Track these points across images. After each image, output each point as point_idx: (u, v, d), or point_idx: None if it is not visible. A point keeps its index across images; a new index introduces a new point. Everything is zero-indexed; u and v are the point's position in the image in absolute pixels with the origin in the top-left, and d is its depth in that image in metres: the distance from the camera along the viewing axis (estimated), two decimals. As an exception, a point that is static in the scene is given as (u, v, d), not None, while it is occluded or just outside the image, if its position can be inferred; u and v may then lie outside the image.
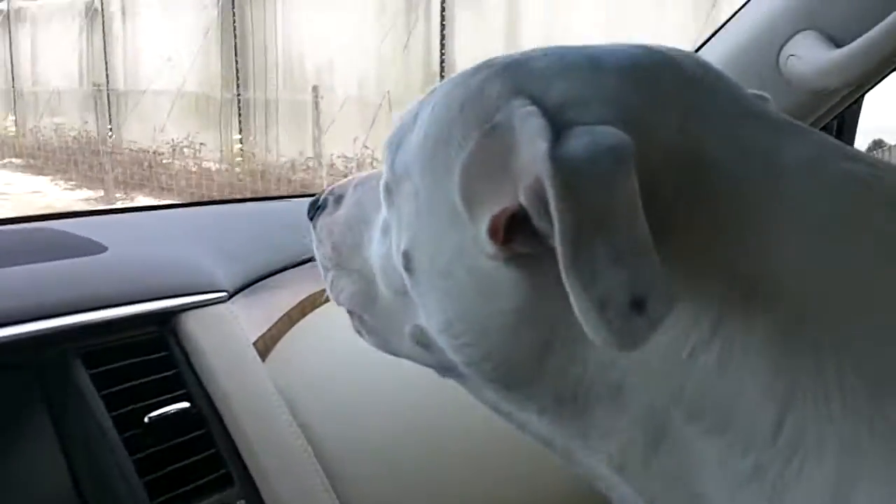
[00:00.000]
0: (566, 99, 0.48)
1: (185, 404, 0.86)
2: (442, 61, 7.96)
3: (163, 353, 0.89)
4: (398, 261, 0.57)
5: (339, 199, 0.70)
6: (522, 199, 0.45)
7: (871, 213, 0.45)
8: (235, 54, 9.87)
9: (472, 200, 0.49)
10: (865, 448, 0.41)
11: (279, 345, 1.01)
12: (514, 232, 0.47)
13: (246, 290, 1.05)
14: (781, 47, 1.10)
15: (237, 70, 9.95)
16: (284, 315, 1.04)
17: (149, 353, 0.88)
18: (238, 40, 9.85)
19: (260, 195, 8.22)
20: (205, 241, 1.11)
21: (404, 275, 0.57)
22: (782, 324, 0.43)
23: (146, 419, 0.83)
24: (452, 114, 0.53)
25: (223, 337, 0.95)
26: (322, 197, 0.72)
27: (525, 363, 0.52)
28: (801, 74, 1.08)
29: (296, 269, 1.11)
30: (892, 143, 1.41)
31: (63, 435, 0.81)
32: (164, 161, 10.06)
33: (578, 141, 0.43)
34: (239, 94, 9.92)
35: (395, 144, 0.59)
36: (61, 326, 0.83)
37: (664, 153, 0.46)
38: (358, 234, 0.66)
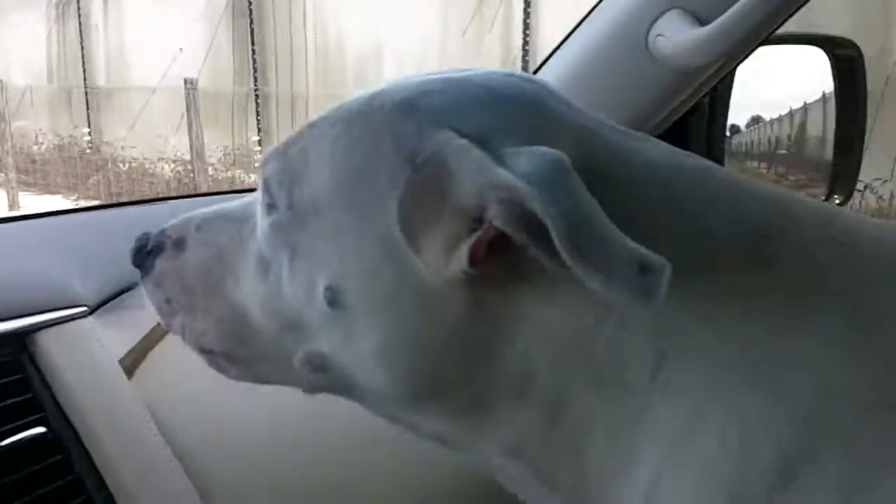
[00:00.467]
0: (483, 130, 0.55)
1: (41, 429, 0.82)
2: (525, 51, 7.18)
3: (17, 376, 0.85)
4: (306, 298, 0.61)
5: (179, 243, 0.70)
6: (494, 219, 0.51)
7: (722, 202, 0.57)
8: (252, 42, 8.67)
9: (414, 231, 0.55)
10: (711, 375, 0.53)
11: (148, 359, 0.98)
12: (488, 254, 0.53)
13: (111, 304, 1.01)
14: (649, 28, 1.10)
15: (254, 61, 8.68)
16: (153, 328, 1.00)
17: (2, 376, 0.84)
18: (255, 25, 8.67)
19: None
20: (66, 253, 1.06)
21: (321, 310, 0.60)
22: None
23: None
24: (366, 150, 0.58)
25: (83, 355, 0.91)
26: (152, 240, 0.70)
27: (449, 375, 0.59)
28: (669, 53, 1.08)
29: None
30: (769, 118, 1.44)
31: None
32: (150, 169, 8.93)
33: (527, 161, 0.51)
34: (257, 90, 8.73)
35: (289, 181, 0.61)
36: None
37: (573, 161, 0.52)
38: (217, 276, 0.68)
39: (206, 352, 0.70)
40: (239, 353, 0.68)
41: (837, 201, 1.26)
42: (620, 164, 0.57)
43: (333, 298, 0.59)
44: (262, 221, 0.64)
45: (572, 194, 0.49)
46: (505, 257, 0.53)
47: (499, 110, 0.57)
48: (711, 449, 0.52)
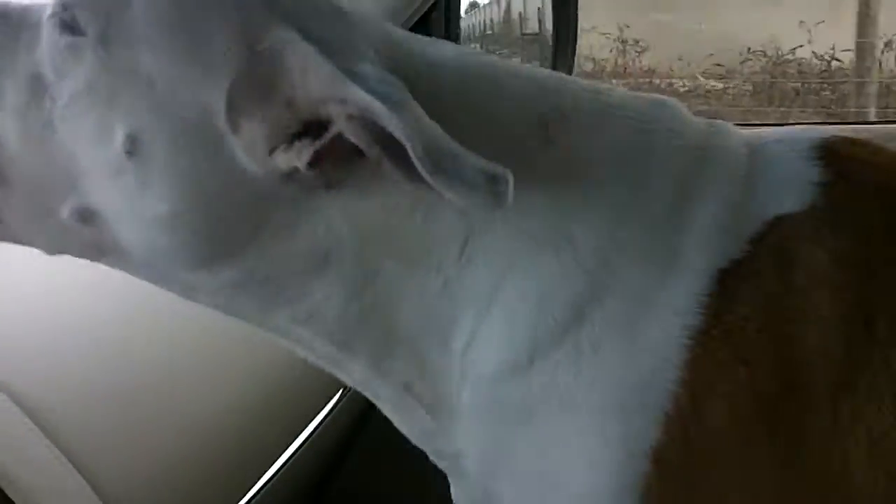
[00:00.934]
0: (334, 41, 0.57)
1: None
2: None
3: None
4: (96, 138, 0.57)
5: None
6: (348, 135, 0.54)
7: (505, 93, 0.65)
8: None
9: (236, 114, 0.56)
10: (497, 245, 0.62)
11: None
12: (333, 157, 0.57)
13: None
14: None
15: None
16: None
17: None
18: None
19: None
20: None
21: (116, 155, 0.57)
22: None
23: None
24: (203, 8, 0.57)
25: None
26: None
27: (241, 247, 0.61)
28: None
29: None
30: (484, 3, 1.60)
31: None
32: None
33: (378, 83, 0.54)
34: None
35: (109, 3, 0.57)
36: None
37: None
38: None
39: None
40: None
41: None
42: (425, 71, 0.62)
43: (132, 149, 0.56)
44: (51, 37, 0.59)
45: (420, 116, 0.53)
46: (338, 163, 0.57)
47: (348, 27, 0.60)
48: (513, 304, 0.61)
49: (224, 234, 0.60)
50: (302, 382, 1.28)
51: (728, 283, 0.60)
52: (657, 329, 0.60)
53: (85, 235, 0.61)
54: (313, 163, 0.56)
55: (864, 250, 0.61)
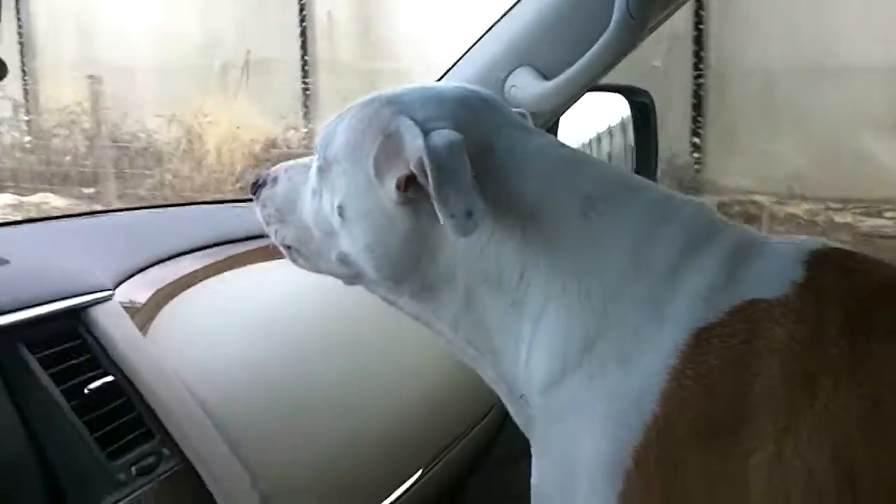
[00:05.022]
0: (427, 117, 0.91)
1: (110, 378, 1.12)
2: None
3: (78, 341, 1.14)
4: (331, 211, 0.98)
5: (274, 180, 1.09)
6: (413, 169, 0.86)
7: (568, 176, 0.92)
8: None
9: (382, 173, 0.92)
10: (550, 279, 0.89)
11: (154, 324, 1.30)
12: (408, 186, 0.89)
13: (123, 284, 1.31)
14: (504, 79, 1.47)
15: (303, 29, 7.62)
16: (149, 301, 1.32)
17: (68, 341, 1.13)
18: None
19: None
20: (93, 248, 1.37)
21: (337, 220, 0.97)
22: (521, 232, 0.89)
23: (86, 391, 1.09)
24: (363, 126, 0.96)
25: (116, 324, 1.21)
26: (261, 178, 1.10)
27: (408, 265, 0.95)
28: (521, 101, 1.44)
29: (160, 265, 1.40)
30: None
31: (21, 408, 1.05)
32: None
33: (437, 138, 0.87)
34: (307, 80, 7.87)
35: (324, 145, 1.00)
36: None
37: (475, 143, 0.90)
38: (292, 200, 1.06)
39: (287, 247, 1.08)
40: (304, 250, 1.05)
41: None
42: (506, 148, 0.93)
43: (341, 212, 0.97)
44: (313, 167, 1.02)
45: (450, 159, 0.85)
46: (422, 193, 0.88)
47: (440, 106, 0.94)
48: (552, 330, 0.87)
49: (399, 259, 0.95)
50: (456, 398, 1.58)
51: (702, 338, 0.81)
52: (645, 363, 0.82)
53: (344, 269, 1.02)
54: (406, 187, 0.90)
55: (817, 335, 0.79)
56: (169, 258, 1.41)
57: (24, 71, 8.79)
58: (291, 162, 1.10)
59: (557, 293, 0.88)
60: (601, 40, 1.33)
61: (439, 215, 0.84)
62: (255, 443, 1.21)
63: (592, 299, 0.86)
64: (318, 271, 1.07)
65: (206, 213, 1.85)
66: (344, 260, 1.00)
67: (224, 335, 1.32)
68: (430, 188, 0.84)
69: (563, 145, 0.99)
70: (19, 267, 1.21)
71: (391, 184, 0.91)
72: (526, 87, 1.45)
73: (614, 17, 1.30)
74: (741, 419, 0.77)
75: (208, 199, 6.99)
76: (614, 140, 1.80)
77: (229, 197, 6.48)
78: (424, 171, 0.85)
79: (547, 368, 0.88)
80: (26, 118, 8.82)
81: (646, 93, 1.78)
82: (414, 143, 0.87)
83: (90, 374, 1.12)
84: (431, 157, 0.85)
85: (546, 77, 1.45)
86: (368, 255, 0.96)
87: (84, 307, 1.18)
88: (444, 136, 0.87)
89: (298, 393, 1.32)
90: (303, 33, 7.80)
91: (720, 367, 0.79)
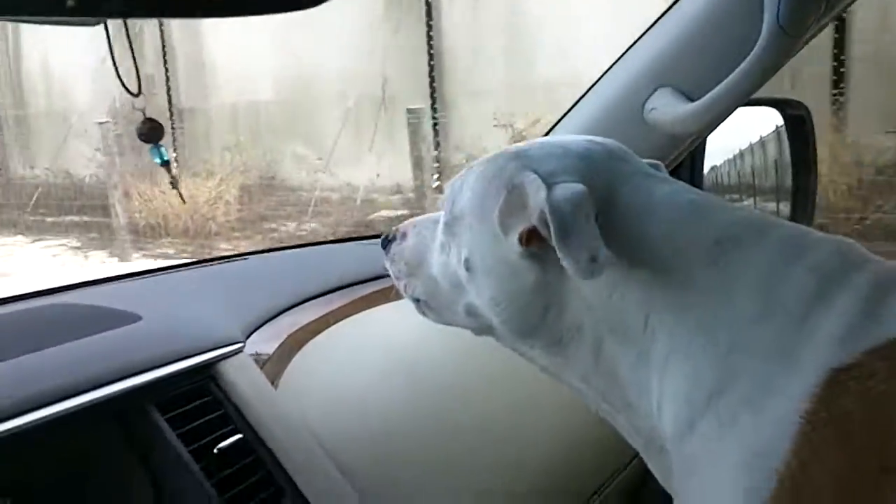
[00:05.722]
0: (551, 171, 0.90)
1: (240, 436, 1.10)
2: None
3: (209, 398, 1.13)
4: (458, 265, 0.98)
5: (403, 235, 1.11)
6: (535, 222, 0.87)
7: (696, 221, 0.89)
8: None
9: (506, 226, 0.92)
10: (676, 329, 0.86)
11: (284, 375, 1.27)
12: (532, 240, 0.89)
13: (253, 334, 1.30)
14: (644, 101, 1.40)
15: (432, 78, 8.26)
16: (278, 350, 1.30)
17: (199, 398, 1.12)
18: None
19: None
20: (220, 297, 1.36)
21: (464, 273, 0.98)
22: (646, 280, 0.87)
23: (216, 450, 1.07)
24: (488, 180, 0.96)
25: (247, 378, 1.19)
26: (391, 234, 1.12)
27: (535, 317, 0.94)
28: (662, 123, 1.38)
29: (289, 311, 1.38)
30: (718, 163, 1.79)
31: (150, 470, 1.04)
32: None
33: (559, 190, 0.86)
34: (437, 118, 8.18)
35: (451, 200, 1.01)
36: (130, 387, 1.06)
37: (599, 194, 0.89)
38: (421, 254, 1.07)
39: (416, 301, 1.09)
40: (433, 303, 1.07)
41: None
42: (632, 197, 0.91)
43: (468, 266, 0.97)
44: (440, 222, 1.03)
45: (573, 211, 0.84)
46: (546, 246, 0.87)
47: (564, 160, 0.93)
48: (679, 376, 0.85)
49: (526, 311, 0.94)
50: (594, 449, 1.50)
51: (837, 381, 0.76)
52: (777, 409, 0.78)
53: (472, 321, 1.02)
54: (529, 241, 0.90)
55: None
56: (298, 303, 1.38)
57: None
58: (420, 217, 1.11)
59: (683, 343, 0.85)
60: (750, 57, 1.25)
61: (563, 261, 0.83)
62: (392, 501, 1.17)
63: (720, 347, 0.83)
64: (447, 323, 1.08)
65: (334, 253, 1.83)
66: (472, 312, 1.01)
67: (357, 385, 1.29)
68: (553, 240, 0.84)
69: (692, 191, 0.95)
70: (151, 322, 1.22)
71: (515, 237, 0.91)
72: (667, 108, 1.39)
73: (763, 32, 1.23)
74: (883, 468, 0.73)
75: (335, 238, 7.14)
76: (758, 154, 1.71)
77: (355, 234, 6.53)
78: (547, 224, 0.85)
79: (677, 419, 0.86)
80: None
81: (801, 104, 1.66)
82: (537, 195, 0.87)
83: (220, 433, 1.10)
84: (553, 209, 0.85)
85: (689, 97, 1.37)
86: (495, 308, 0.96)
87: (214, 362, 1.17)
88: (566, 188, 0.87)
89: (437, 446, 1.27)
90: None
91: (857, 410, 0.75)
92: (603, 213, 0.88)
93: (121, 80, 0.81)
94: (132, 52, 0.79)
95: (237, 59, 9.12)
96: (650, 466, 0.96)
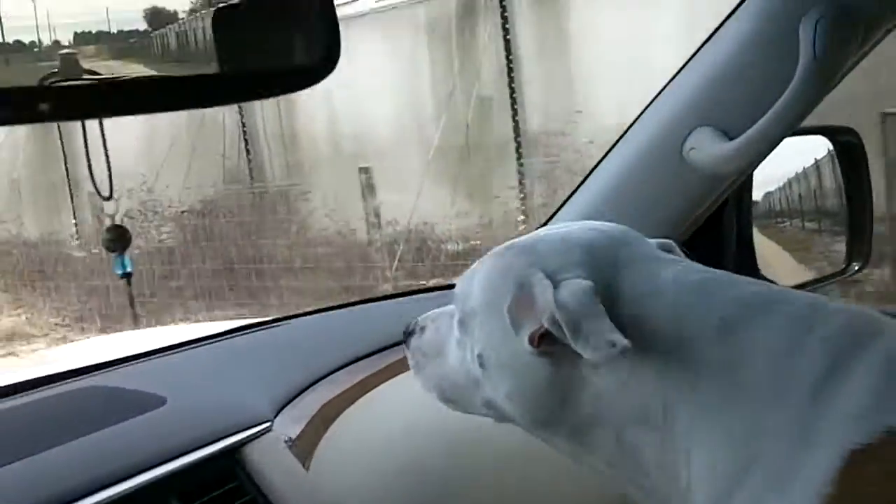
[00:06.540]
0: (556, 268, 0.91)
1: (265, 525, 1.06)
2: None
3: (236, 483, 1.09)
4: (472, 361, 0.99)
5: (423, 328, 1.11)
6: (546, 323, 0.87)
7: (702, 301, 0.89)
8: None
9: (517, 324, 0.92)
10: (695, 418, 0.86)
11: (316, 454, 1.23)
12: (543, 340, 0.89)
13: (282, 411, 1.25)
14: (683, 141, 1.34)
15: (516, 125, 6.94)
16: (309, 426, 1.25)
17: (225, 483, 1.08)
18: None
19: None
20: (246, 374, 1.33)
21: (478, 369, 0.98)
22: (659, 365, 0.87)
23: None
24: (497, 279, 0.97)
25: (275, 460, 1.15)
26: (411, 328, 1.12)
27: (552, 410, 0.94)
28: (702, 163, 1.32)
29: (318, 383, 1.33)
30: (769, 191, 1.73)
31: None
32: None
33: (566, 289, 0.88)
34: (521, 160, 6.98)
35: (463, 297, 1.02)
36: (152, 478, 1.03)
37: (606, 284, 0.90)
38: (439, 347, 1.07)
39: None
40: (451, 395, 1.07)
41: (857, 268, 1.52)
42: (638, 282, 0.91)
43: (481, 362, 0.97)
44: (454, 318, 1.03)
45: (581, 308, 0.85)
46: (558, 343, 0.88)
47: (567, 255, 0.93)
48: (701, 462, 0.85)
49: (542, 405, 0.94)
50: None
51: (857, 463, 0.76)
52: (799, 491, 0.78)
53: (492, 413, 1.01)
54: (540, 342, 0.90)
55: None
56: (328, 374, 1.34)
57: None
58: (438, 310, 1.12)
59: (704, 427, 0.85)
60: (788, 91, 1.21)
61: (581, 353, 0.85)
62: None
63: (735, 432, 0.84)
64: (467, 412, 1.06)
65: (364, 315, 1.78)
66: (490, 405, 1.01)
67: (391, 459, 1.24)
68: (568, 338, 0.85)
69: (700, 269, 0.95)
70: (176, 404, 1.18)
71: (526, 337, 0.91)
72: (706, 148, 1.35)
73: (800, 65, 1.19)
74: None
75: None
76: (803, 184, 1.66)
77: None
78: (557, 323, 0.86)
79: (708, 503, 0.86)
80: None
81: (852, 131, 1.58)
82: (544, 297, 0.88)
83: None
84: (562, 311, 0.85)
85: (728, 135, 1.31)
86: (510, 402, 0.97)
87: (241, 445, 1.13)
88: (572, 285, 0.88)
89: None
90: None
91: (879, 493, 0.76)
92: (611, 301, 0.88)
93: (94, 183, 0.78)
94: (106, 155, 0.76)
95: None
96: None
